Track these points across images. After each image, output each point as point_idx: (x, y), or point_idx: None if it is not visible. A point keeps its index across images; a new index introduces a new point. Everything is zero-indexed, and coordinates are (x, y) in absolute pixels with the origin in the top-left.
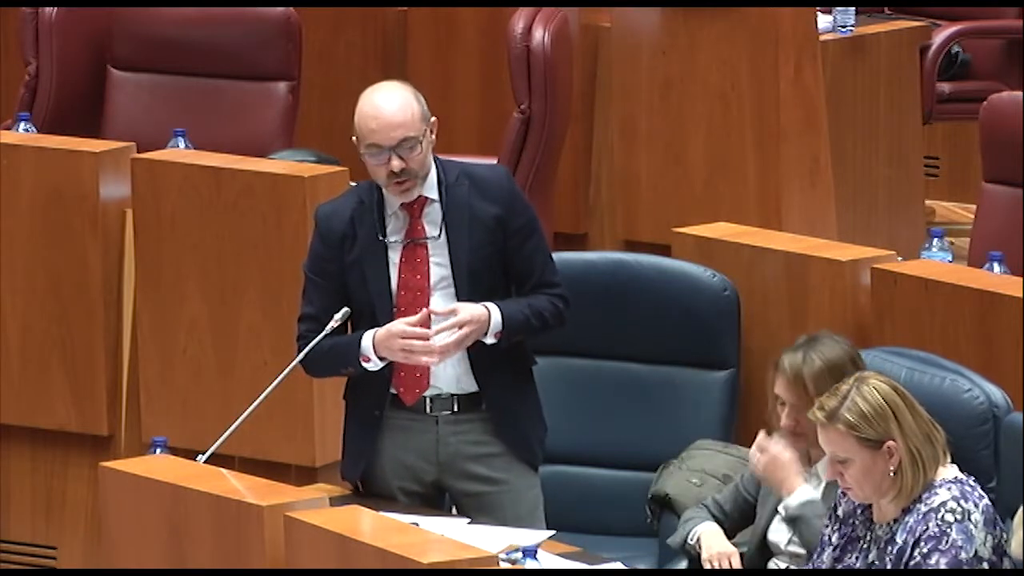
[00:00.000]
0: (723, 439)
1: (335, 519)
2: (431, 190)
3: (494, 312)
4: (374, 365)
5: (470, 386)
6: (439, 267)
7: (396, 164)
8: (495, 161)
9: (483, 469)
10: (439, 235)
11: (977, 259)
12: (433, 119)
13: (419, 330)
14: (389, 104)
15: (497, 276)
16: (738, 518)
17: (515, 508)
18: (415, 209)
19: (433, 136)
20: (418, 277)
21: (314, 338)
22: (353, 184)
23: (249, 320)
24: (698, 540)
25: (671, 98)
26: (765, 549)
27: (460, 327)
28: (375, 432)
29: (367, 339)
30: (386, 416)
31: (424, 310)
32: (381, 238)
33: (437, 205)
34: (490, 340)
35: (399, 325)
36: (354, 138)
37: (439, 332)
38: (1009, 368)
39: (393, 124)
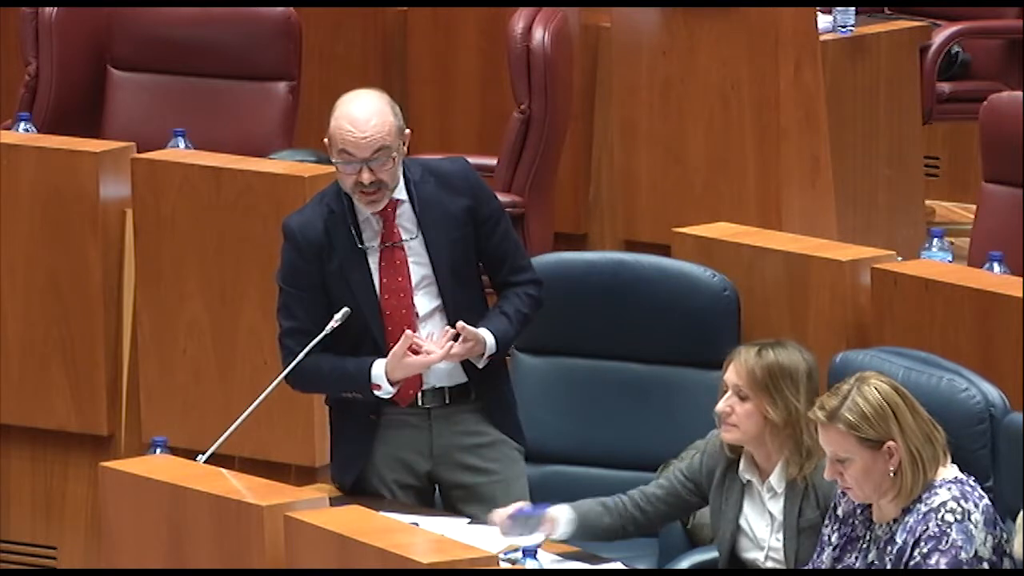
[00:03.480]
0: None
1: (335, 519)
2: (400, 191)
3: (489, 340)
4: (386, 392)
5: (460, 377)
6: (418, 267)
7: (366, 177)
8: (495, 161)
9: (476, 459)
10: (416, 236)
11: (977, 259)
12: (408, 131)
13: (418, 340)
14: (366, 115)
15: (472, 267)
16: (665, 513)
17: (506, 498)
18: (388, 213)
19: (405, 148)
20: (399, 279)
21: (309, 352)
22: (318, 194)
23: (249, 320)
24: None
25: (671, 98)
26: (738, 564)
27: (466, 340)
28: (371, 435)
29: (378, 368)
30: (382, 415)
31: (407, 332)
32: (360, 245)
33: (407, 205)
34: (482, 363)
35: (400, 349)
36: (326, 140)
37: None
38: (1009, 368)
39: (368, 137)
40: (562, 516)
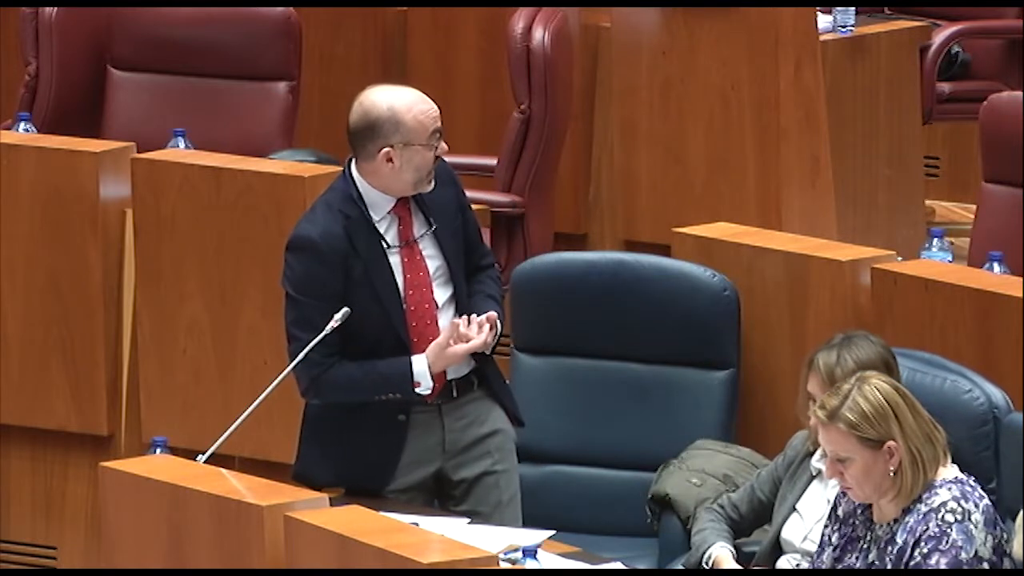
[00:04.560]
0: (723, 439)
1: (335, 519)
2: None
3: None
4: (426, 388)
5: (467, 367)
6: (432, 260)
7: (446, 144)
8: (495, 161)
9: (483, 450)
10: (432, 228)
11: (977, 259)
12: None
13: (461, 330)
14: (418, 92)
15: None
16: (753, 519)
17: (508, 489)
18: (405, 210)
19: None
20: (420, 273)
21: (334, 362)
22: (321, 202)
23: (249, 320)
24: (713, 562)
25: (671, 98)
26: (777, 548)
27: (492, 328)
28: (399, 435)
29: (420, 365)
30: (410, 416)
31: (454, 320)
32: (385, 246)
33: (413, 202)
34: (491, 349)
35: (444, 339)
36: (389, 148)
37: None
38: (1009, 368)
39: (436, 107)
40: (728, 557)
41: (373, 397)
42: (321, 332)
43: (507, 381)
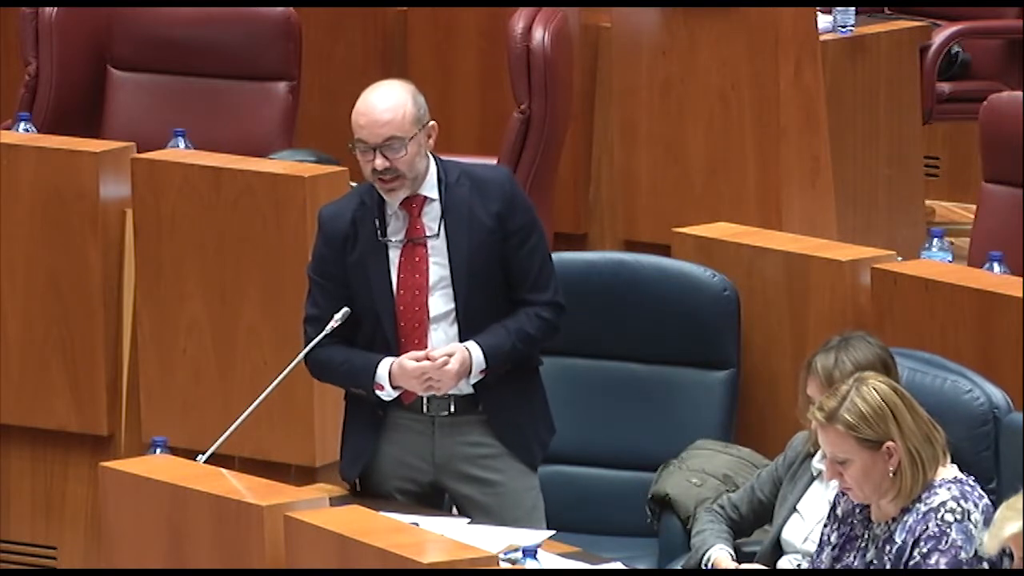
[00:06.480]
0: (723, 439)
1: (335, 519)
2: (431, 189)
3: (475, 352)
4: (387, 394)
5: (466, 388)
6: (438, 267)
7: (379, 163)
8: (495, 161)
9: (479, 471)
10: (438, 233)
11: (977, 259)
12: (432, 123)
13: (427, 364)
14: (382, 102)
15: (496, 277)
16: (753, 520)
17: (513, 510)
18: (415, 208)
19: (430, 140)
20: (417, 276)
21: (329, 343)
22: (355, 184)
23: (249, 320)
24: (712, 564)
25: (671, 98)
26: (778, 548)
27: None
28: (376, 432)
29: (383, 369)
30: (388, 415)
31: (425, 352)
32: (381, 238)
33: (437, 204)
34: (475, 379)
35: (411, 363)
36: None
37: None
38: (1009, 368)
39: (380, 122)
40: (727, 559)
41: (347, 386)
42: (320, 310)
43: (527, 417)
